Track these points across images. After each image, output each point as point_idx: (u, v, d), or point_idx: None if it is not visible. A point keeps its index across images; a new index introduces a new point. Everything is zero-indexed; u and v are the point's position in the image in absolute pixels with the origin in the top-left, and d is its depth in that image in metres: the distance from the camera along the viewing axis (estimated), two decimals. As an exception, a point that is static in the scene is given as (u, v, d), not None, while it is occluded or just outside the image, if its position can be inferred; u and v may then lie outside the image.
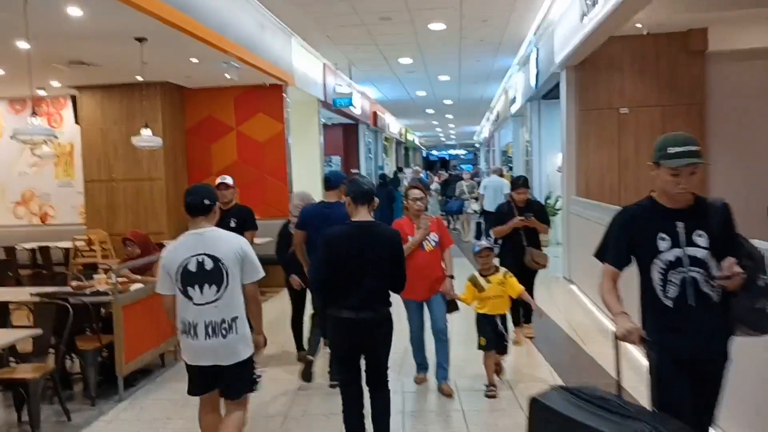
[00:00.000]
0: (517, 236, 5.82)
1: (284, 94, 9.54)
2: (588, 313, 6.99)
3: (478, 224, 13.56)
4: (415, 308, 4.75)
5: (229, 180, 5.81)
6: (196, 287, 3.21)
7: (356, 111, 14.89)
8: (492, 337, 4.69)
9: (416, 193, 4.68)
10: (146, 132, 7.57)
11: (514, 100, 14.66)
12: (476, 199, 13.71)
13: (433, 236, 4.64)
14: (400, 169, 21.65)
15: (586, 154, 8.64)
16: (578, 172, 8.69)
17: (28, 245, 8.90)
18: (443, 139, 38.38)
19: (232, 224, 5.33)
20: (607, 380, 4.61)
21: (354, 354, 3.56)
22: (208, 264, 3.21)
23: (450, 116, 23.70)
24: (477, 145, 38.38)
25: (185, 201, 3.38)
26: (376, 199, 3.69)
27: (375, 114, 18.61)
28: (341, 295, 3.45)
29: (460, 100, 18.25)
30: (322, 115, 13.07)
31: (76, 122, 9.19)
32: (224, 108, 9.64)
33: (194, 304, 3.21)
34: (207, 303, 3.21)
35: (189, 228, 3.37)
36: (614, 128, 8.62)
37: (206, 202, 3.36)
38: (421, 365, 5.03)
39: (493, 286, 4.69)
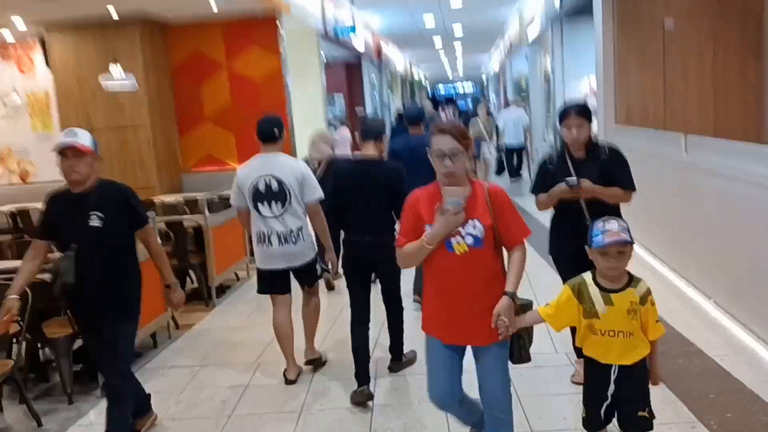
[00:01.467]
0: (574, 210, 3.37)
1: (278, 25, 8.44)
2: (653, 272, 6.05)
3: (501, 163, 12.42)
4: (438, 353, 2.63)
5: (81, 139, 2.99)
6: (265, 203, 3.85)
7: (359, 44, 13.69)
8: (599, 410, 2.48)
9: (444, 141, 2.48)
10: (116, 69, 6.46)
11: (531, 23, 13.38)
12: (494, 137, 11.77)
13: (473, 226, 2.49)
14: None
15: (626, 78, 7.57)
16: (618, 98, 7.64)
17: (6, 208, 8.03)
18: (449, 72, 36.78)
19: (94, 222, 2.99)
20: (688, 348, 3.95)
21: (361, 274, 3.85)
22: (274, 185, 3.82)
23: (458, 45, 22.26)
24: (484, 78, 36.80)
25: (257, 129, 3.94)
26: (384, 137, 3.97)
27: (379, 47, 17.34)
28: (351, 221, 3.80)
29: (472, 25, 16.87)
30: (323, 52, 11.95)
31: (48, 66, 8.15)
32: (213, 42, 8.59)
33: (264, 217, 3.86)
34: (274, 217, 3.85)
35: (260, 151, 3.96)
36: (658, 45, 7.51)
37: (275, 131, 3.93)
38: None
39: (619, 311, 2.37)
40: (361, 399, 3.65)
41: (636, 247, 2.50)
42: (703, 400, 3.38)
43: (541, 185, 3.50)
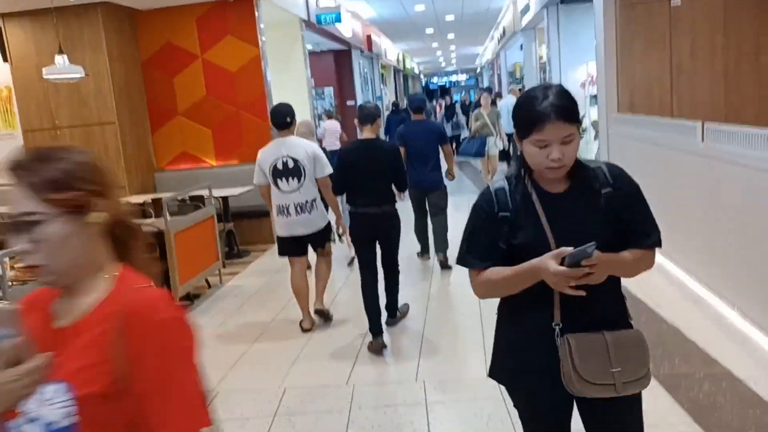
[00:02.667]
0: (542, 305, 1.82)
1: (256, 11, 7.86)
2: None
3: (505, 153, 11.45)
4: None
5: None
6: (283, 179, 4.49)
7: (346, 32, 13.09)
8: None
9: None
10: (61, 59, 5.85)
11: (526, 10, 12.80)
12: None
13: (48, 399, 1.16)
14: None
15: (629, 61, 7.01)
16: (621, 84, 7.09)
17: (-36, 212, 7.46)
18: (443, 64, 36.18)
19: None
20: (713, 369, 3.36)
21: (367, 240, 4.41)
22: (290, 163, 4.46)
23: (451, 36, 21.65)
24: (479, 69, 36.19)
25: (272, 119, 4.67)
26: (379, 120, 4.54)
27: (369, 37, 16.73)
28: (355, 195, 4.36)
29: (464, 14, 16.26)
30: (308, 40, 11.37)
31: (5, 59, 7.56)
32: (185, 32, 7.97)
33: (283, 191, 4.50)
34: (292, 191, 4.48)
35: (275, 137, 4.68)
36: (664, 25, 6.95)
37: (288, 119, 4.61)
38: None
39: None
40: (377, 347, 4.24)
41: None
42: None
43: (482, 250, 1.82)
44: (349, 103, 15.87)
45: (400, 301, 4.78)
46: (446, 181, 6.20)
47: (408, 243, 5.62)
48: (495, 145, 10.14)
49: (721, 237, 4.14)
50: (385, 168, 4.31)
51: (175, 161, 8.28)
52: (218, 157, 8.26)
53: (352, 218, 4.42)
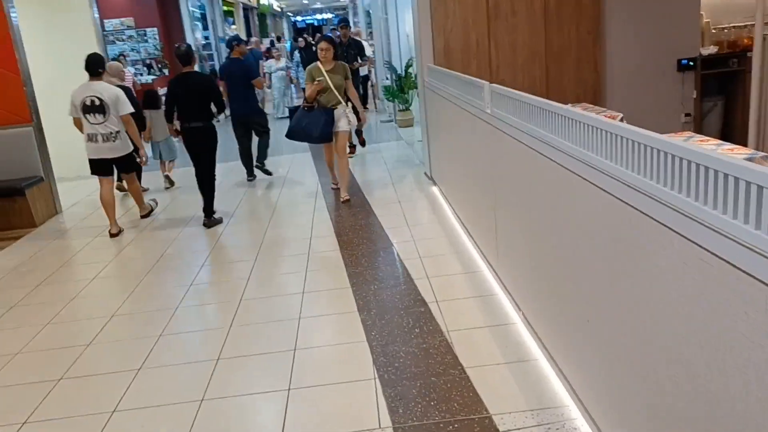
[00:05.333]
0: None
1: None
2: (449, 235, 4.86)
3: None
4: None
5: None
6: (91, 114, 5.54)
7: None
8: None
9: None
10: None
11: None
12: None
13: None
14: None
15: (442, 2, 6.14)
16: (434, 28, 6.22)
17: None
18: (305, 1, 34.12)
19: None
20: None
21: (194, 148, 5.86)
22: (96, 102, 5.52)
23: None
24: (346, 8, 34.49)
25: (86, 67, 5.60)
26: (195, 57, 6.23)
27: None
28: (183, 114, 5.79)
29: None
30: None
31: None
32: None
33: (91, 123, 5.58)
34: (98, 123, 5.57)
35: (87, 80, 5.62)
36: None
37: (99, 70, 5.68)
38: None
39: None
40: (210, 224, 5.80)
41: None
42: None
43: None
44: (179, 45, 14.12)
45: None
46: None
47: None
48: (346, 115, 6.13)
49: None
50: (201, 92, 5.72)
51: None
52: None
53: (184, 132, 5.81)
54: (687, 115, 6.35)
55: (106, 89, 5.56)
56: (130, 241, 5.63)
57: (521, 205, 3.11)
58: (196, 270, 4.69)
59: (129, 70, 10.80)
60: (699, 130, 6.25)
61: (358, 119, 6.35)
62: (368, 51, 13.11)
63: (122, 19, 13.61)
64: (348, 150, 7.45)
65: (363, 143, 8.20)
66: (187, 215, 6.24)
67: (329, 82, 5.95)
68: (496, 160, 3.57)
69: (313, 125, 5.96)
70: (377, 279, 4.10)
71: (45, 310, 4.17)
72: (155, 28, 13.79)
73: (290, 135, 6.17)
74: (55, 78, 7.74)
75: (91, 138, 5.59)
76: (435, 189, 6.23)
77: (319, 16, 41.34)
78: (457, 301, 3.65)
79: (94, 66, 5.60)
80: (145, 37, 13.71)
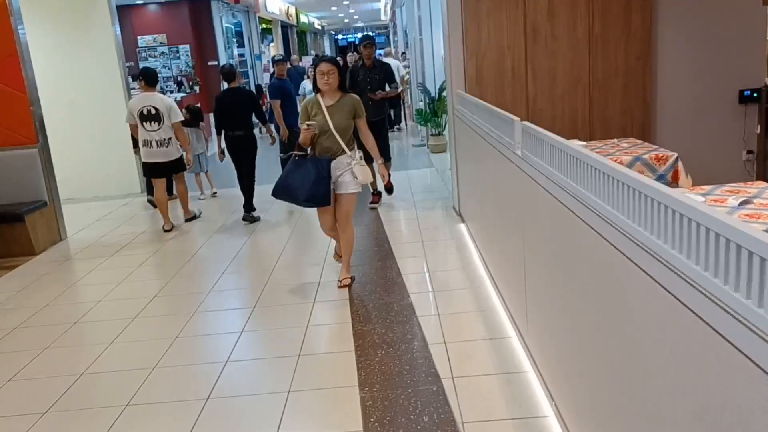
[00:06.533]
0: None
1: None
2: (469, 269, 4.27)
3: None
4: None
5: None
6: (147, 122, 6.15)
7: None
8: None
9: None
10: None
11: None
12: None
13: None
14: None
15: (474, 23, 5.61)
16: (466, 51, 5.69)
17: None
18: (346, 20, 34.05)
19: None
20: None
21: (236, 155, 6.54)
22: (153, 111, 6.12)
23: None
24: (387, 27, 34.28)
25: (145, 78, 6.27)
26: (239, 74, 7.03)
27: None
28: (228, 124, 6.40)
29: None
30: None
31: None
32: None
33: (147, 131, 6.18)
34: (154, 131, 6.17)
35: (142, 91, 6.30)
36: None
37: (155, 82, 6.39)
38: None
39: None
40: (249, 219, 6.51)
41: None
42: None
43: None
44: (211, 63, 13.92)
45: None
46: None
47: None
48: (351, 169, 4.34)
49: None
50: (244, 105, 6.42)
51: None
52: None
53: (226, 140, 6.43)
54: (749, 152, 5.64)
55: (162, 99, 6.22)
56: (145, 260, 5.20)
57: (554, 270, 2.53)
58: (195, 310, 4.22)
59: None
60: (763, 169, 5.54)
61: (373, 174, 5.41)
62: (402, 72, 12.65)
63: (155, 35, 13.49)
64: (371, 198, 6.70)
65: (390, 189, 6.99)
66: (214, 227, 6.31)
67: (329, 121, 4.16)
68: (525, 211, 3.00)
69: (299, 181, 4.14)
70: (385, 342, 3.54)
71: (12, 361, 3.74)
72: (187, 45, 13.63)
73: (275, 193, 4.35)
74: (76, 95, 7.48)
75: (146, 143, 6.20)
76: (462, 227, 5.65)
77: (360, 35, 41.27)
78: (477, 379, 3.06)
79: (152, 78, 6.25)
80: (178, 54, 13.55)
